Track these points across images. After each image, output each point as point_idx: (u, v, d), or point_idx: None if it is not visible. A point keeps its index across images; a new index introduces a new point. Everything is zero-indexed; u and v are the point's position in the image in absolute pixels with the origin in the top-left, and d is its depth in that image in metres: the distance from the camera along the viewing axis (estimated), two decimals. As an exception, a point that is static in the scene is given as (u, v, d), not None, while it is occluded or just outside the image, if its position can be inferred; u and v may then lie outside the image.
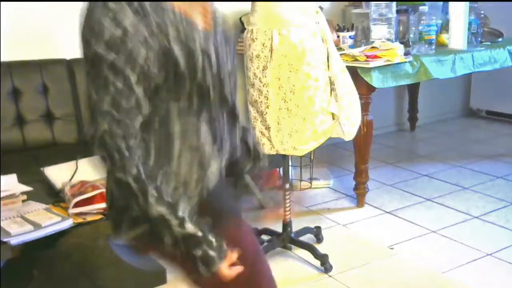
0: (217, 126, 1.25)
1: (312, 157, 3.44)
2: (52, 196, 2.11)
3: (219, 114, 1.26)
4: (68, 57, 2.94)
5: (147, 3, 1.09)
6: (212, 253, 1.15)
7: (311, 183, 3.51)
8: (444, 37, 3.52)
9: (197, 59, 1.15)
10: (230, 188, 1.44)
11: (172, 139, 1.18)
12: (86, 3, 1.11)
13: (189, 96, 1.17)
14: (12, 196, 2.02)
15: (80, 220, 1.92)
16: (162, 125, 1.17)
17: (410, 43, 3.27)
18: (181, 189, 1.20)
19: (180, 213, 1.13)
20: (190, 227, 1.13)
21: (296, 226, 2.75)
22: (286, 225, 2.65)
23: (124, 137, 1.09)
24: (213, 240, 1.16)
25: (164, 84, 1.13)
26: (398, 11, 3.45)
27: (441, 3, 3.68)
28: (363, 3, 3.70)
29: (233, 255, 1.20)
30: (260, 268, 1.41)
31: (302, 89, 2.34)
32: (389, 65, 2.94)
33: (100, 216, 1.95)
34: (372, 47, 2.98)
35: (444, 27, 3.59)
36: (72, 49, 2.95)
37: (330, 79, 2.40)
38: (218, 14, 1.28)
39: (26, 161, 2.52)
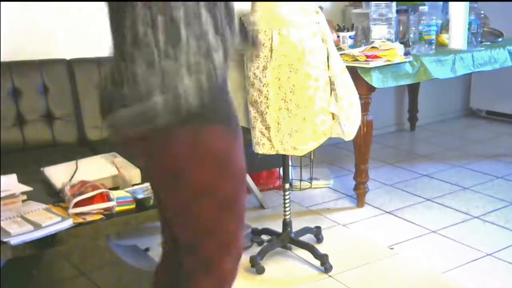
0: (216, 13, 1.24)
1: (312, 157, 3.44)
2: (52, 196, 2.11)
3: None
4: (68, 57, 2.94)
5: None
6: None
7: (311, 183, 3.51)
8: (444, 37, 3.52)
9: None
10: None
11: (178, 25, 1.18)
12: None
13: None
14: (12, 196, 2.01)
15: (80, 220, 1.92)
16: (167, 11, 1.18)
17: (410, 43, 3.27)
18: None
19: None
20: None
21: (296, 226, 2.75)
22: (286, 225, 2.65)
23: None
24: None
25: None
26: (398, 11, 3.45)
27: (441, 3, 3.68)
28: (363, 3, 3.70)
29: None
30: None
31: (302, 89, 2.34)
32: (389, 65, 2.94)
33: (100, 216, 1.95)
34: (372, 47, 2.98)
35: (444, 27, 3.59)
36: (72, 49, 2.98)
37: (330, 79, 2.40)
38: None
39: (26, 161, 2.52)
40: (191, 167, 1.27)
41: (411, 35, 3.45)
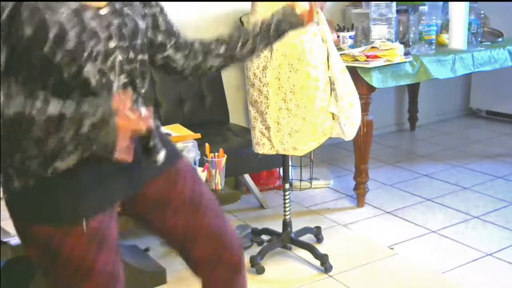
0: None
1: (312, 157, 3.44)
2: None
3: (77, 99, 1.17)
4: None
5: None
6: (96, 115, 1.10)
7: (311, 183, 3.51)
8: (444, 37, 3.52)
9: (49, 30, 1.12)
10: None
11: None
12: None
13: (41, 74, 1.15)
14: (12, 196, 2.01)
15: (80, 220, 1.91)
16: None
17: (410, 43, 3.27)
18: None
19: (38, 103, 1.10)
20: (51, 109, 1.10)
21: (296, 226, 2.75)
22: (286, 225, 2.65)
23: None
24: (87, 107, 1.11)
25: (9, 44, 1.12)
26: (398, 11, 3.45)
27: (441, 3, 3.68)
28: (363, 3, 3.70)
29: (122, 97, 1.13)
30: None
31: (302, 89, 2.34)
32: (389, 65, 2.94)
33: (100, 216, 1.94)
34: (372, 47, 2.98)
35: (444, 27, 3.59)
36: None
37: (330, 79, 2.40)
38: None
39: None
40: None
41: (411, 35, 3.45)
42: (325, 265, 2.53)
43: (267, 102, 2.38)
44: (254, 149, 2.51)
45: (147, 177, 1.38)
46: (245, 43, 1.49)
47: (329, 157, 3.99)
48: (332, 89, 2.42)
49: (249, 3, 2.42)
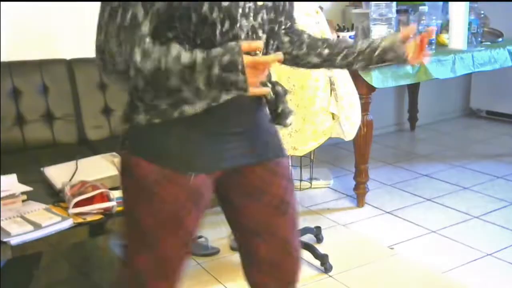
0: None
1: (312, 157, 3.44)
2: (52, 196, 2.11)
3: None
4: (68, 57, 2.94)
5: None
6: (226, 57, 1.11)
7: (311, 183, 3.50)
8: (444, 37, 3.52)
9: None
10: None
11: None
12: None
13: (194, 31, 1.19)
14: (12, 196, 2.01)
15: (80, 220, 1.92)
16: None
17: (410, 43, 3.26)
18: None
19: (173, 54, 1.13)
20: (184, 58, 1.12)
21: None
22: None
23: (118, 45, 1.14)
24: (218, 50, 1.13)
25: (167, 10, 1.16)
26: (398, 11, 3.45)
27: (441, 3, 3.68)
28: (363, 3, 3.70)
29: (251, 43, 1.15)
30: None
31: (302, 89, 2.34)
32: (389, 65, 2.94)
33: (100, 216, 1.95)
34: (372, 47, 2.98)
35: (444, 27, 3.59)
36: (72, 49, 2.98)
37: (330, 79, 2.40)
38: None
39: (26, 161, 2.52)
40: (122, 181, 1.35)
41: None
42: (325, 265, 2.53)
43: (267, 102, 2.38)
44: (254, 149, 2.51)
45: (260, 157, 1.39)
46: (348, 55, 1.48)
47: (329, 157, 3.99)
48: (332, 89, 2.42)
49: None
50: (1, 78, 2.71)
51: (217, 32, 1.19)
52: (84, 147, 2.77)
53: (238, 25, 1.20)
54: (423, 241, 2.81)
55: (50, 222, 1.87)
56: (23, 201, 2.04)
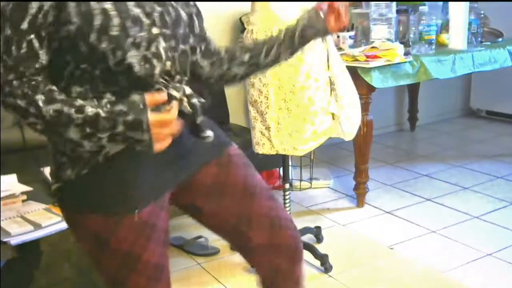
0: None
1: (312, 157, 3.44)
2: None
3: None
4: (68, 57, 2.94)
5: None
6: (131, 116, 1.09)
7: (311, 183, 3.51)
8: (444, 37, 3.52)
9: (94, 18, 1.13)
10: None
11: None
12: None
13: (88, 63, 1.16)
14: (12, 196, 2.02)
15: (80, 220, 1.91)
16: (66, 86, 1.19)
17: (410, 43, 3.27)
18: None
19: (76, 103, 1.11)
20: (90, 109, 1.10)
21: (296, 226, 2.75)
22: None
23: (16, 79, 1.11)
24: (122, 107, 1.10)
25: (57, 40, 1.14)
26: (398, 11, 3.44)
27: (441, 3, 3.68)
28: (363, 3, 3.70)
29: (155, 96, 1.12)
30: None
31: (302, 89, 2.34)
32: (389, 65, 2.94)
33: (100, 216, 1.94)
34: (372, 47, 2.98)
35: (444, 27, 3.59)
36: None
37: (330, 79, 2.40)
38: None
39: (26, 161, 2.52)
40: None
41: (411, 35, 3.45)
42: (325, 265, 2.53)
43: (267, 102, 2.38)
44: (254, 149, 2.51)
45: (198, 163, 1.37)
46: (270, 51, 1.45)
47: (329, 157, 3.99)
48: (332, 89, 2.42)
49: (249, 3, 2.42)
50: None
51: (110, 63, 1.15)
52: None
53: (128, 54, 1.15)
54: (423, 241, 2.81)
55: (50, 222, 1.87)
56: (23, 201, 2.04)
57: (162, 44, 1.21)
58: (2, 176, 2.09)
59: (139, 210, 1.24)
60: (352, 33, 3.38)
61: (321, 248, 2.64)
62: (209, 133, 1.33)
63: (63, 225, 1.88)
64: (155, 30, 1.20)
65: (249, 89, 2.45)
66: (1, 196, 1.97)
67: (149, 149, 1.12)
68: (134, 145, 1.13)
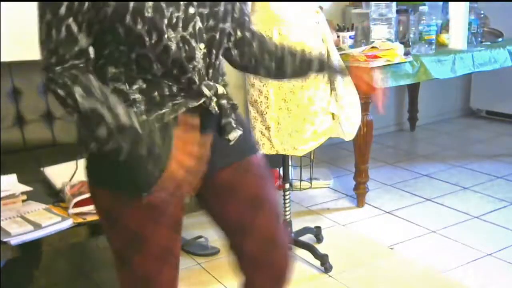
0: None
1: (312, 157, 3.44)
2: (52, 196, 2.11)
3: (164, 81, 1.21)
4: (68, 57, 2.94)
5: None
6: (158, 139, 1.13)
7: (311, 183, 3.50)
8: (444, 37, 3.52)
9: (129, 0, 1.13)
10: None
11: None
12: None
13: (125, 44, 1.17)
14: (12, 196, 2.01)
15: (80, 220, 1.92)
16: (103, 67, 1.21)
17: (410, 43, 3.27)
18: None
19: (112, 105, 1.13)
20: (124, 119, 1.12)
21: (296, 226, 2.75)
22: (286, 225, 2.65)
23: (57, 63, 1.18)
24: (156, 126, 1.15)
25: (98, 23, 1.15)
26: (398, 11, 3.45)
27: (441, 3, 3.68)
28: (363, 3, 3.70)
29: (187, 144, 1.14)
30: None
31: (302, 89, 2.34)
32: (389, 65, 2.94)
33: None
34: (372, 47, 2.98)
35: (444, 27, 3.59)
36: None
37: (330, 79, 2.40)
38: None
39: (26, 161, 2.52)
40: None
41: (411, 35, 3.45)
42: (325, 265, 2.53)
43: (267, 102, 2.39)
44: (254, 149, 2.51)
45: (218, 166, 1.37)
46: (297, 70, 1.49)
47: (329, 157, 3.99)
48: (332, 89, 2.42)
49: (249, 3, 2.42)
50: (1, 78, 2.71)
51: (147, 44, 1.16)
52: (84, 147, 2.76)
53: (165, 36, 1.16)
54: (423, 241, 2.81)
55: (50, 222, 1.87)
56: (23, 201, 2.04)
57: (198, 24, 1.21)
58: (2, 176, 2.08)
59: (148, 193, 1.24)
60: (352, 33, 3.38)
61: (321, 248, 2.64)
62: (233, 136, 1.34)
63: (63, 225, 1.88)
64: (191, 10, 1.19)
65: (249, 89, 2.45)
66: (1, 196, 1.97)
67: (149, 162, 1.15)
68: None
